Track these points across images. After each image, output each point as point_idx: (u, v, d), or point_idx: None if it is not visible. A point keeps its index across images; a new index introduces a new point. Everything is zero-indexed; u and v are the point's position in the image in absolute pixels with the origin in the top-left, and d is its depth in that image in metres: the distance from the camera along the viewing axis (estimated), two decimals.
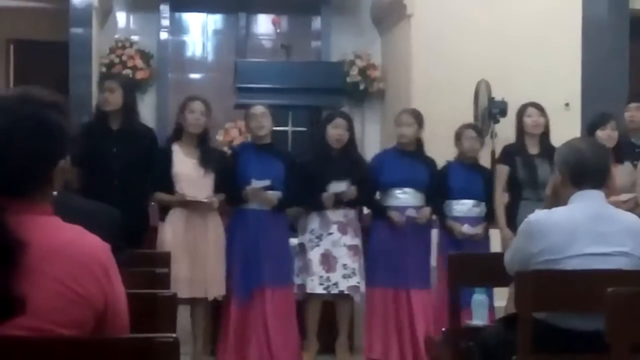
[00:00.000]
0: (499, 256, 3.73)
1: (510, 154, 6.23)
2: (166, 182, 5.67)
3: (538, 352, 3.24)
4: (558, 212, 3.43)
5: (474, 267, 4.01)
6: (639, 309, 2.72)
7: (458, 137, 6.25)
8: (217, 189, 5.78)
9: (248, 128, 6.11)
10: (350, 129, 6.08)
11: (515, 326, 3.28)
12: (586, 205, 3.40)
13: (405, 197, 6.10)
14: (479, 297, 4.35)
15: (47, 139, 1.86)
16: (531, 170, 6.07)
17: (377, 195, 6.16)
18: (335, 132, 5.99)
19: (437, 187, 6.14)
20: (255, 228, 5.82)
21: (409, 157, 6.16)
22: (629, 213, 3.71)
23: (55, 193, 1.93)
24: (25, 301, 1.75)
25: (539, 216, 3.48)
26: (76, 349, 1.77)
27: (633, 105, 6.54)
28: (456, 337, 3.91)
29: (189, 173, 5.69)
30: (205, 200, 5.63)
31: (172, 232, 5.64)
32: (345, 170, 5.93)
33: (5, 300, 1.74)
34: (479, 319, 4.26)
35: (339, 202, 5.90)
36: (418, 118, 6.21)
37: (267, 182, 5.77)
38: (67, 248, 1.84)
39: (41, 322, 1.77)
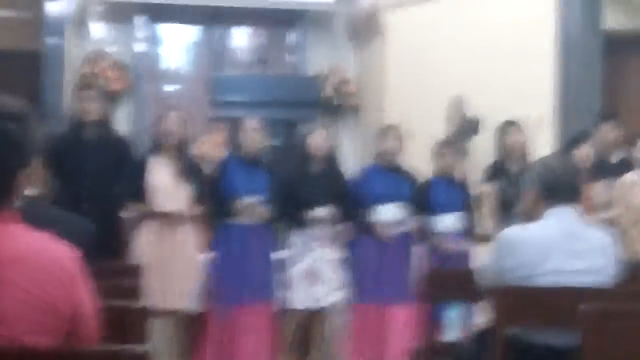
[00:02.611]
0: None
1: (494, 173, 6.29)
2: (138, 194, 5.63)
3: None
4: (531, 229, 3.44)
5: (451, 283, 4.01)
6: (611, 325, 2.72)
7: (435, 153, 6.30)
8: (198, 201, 5.74)
9: (235, 140, 6.06)
10: (330, 140, 6.12)
11: (488, 341, 3.28)
12: (559, 221, 3.40)
13: (389, 213, 6.10)
14: (452, 313, 4.35)
15: (7, 150, 1.86)
16: (517, 188, 6.10)
17: (361, 211, 6.16)
18: (315, 141, 6.00)
19: (420, 202, 6.17)
20: (242, 243, 5.79)
21: (391, 172, 6.19)
22: (601, 230, 3.73)
23: (28, 201, 1.92)
24: None
25: (511, 232, 3.48)
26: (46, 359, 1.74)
27: (608, 124, 6.55)
28: (431, 354, 3.90)
29: (164, 185, 5.66)
30: (174, 212, 5.60)
31: (143, 244, 5.60)
32: (326, 189, 5.94)
33: None
34: (452, 334, 4.26)
35: (322, 222, 5.93)
36: (401, 134, 6.26)
37: (259, 199, 5.76)
38: (33, 255, 1.83)
39: (9, 329, 1.76)
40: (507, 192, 6.14)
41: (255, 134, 5.91)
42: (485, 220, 6.24)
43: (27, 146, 1.89)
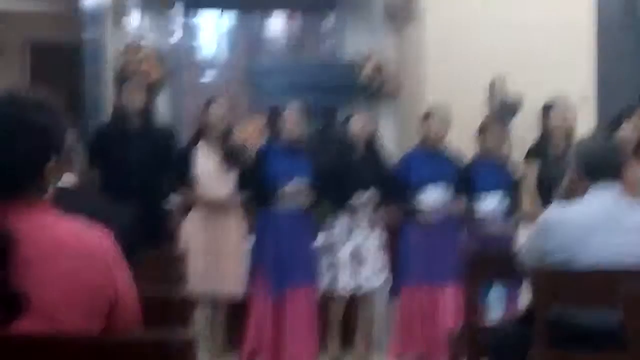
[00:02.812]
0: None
1: (536, 154, 6.24)
2: (185, 183, 5.70)
3: (554, 349, 3.23)
4: (572, 210, 3.42)
5: (493, 265, 4.00)
6: None
7: (479, 135, 6.28)
8: (241, 187, 5.79)
9: (274, 127, 6.07)
10: (370, 125, 6.12)
11: (532, 323, 3.27)
12: (601, 201, 3.38)
13: (433, 197, 6.09)
14: (494, 295, 4.34)
15: (33, 140, 1.85)
16: (559, 170, 6.05)
17: (407, 195, 6.15)
18: (355, 126, 6.01)
19: (463, 184, 6.16)
20: (284, 229, 5.83)
21: (435, 155, 6.17)
22: None
23: (66, 191, 1.92)
24: (29, 299, 1.73)
25: (553, 214, 3.46)
26: (89, 349, 1.75)
27: None
28: (473, 334, 3.90)
29: (209, 172, 5.71)
30: (223, 199, 5.66)
31: (189, 232, 5.66)
32: (368, 174, 5.95)
33: (7, 300, 1.72)
34: (495, 316, 4.26)
35: (365, 207, 5.95)
36: (445, 117, 6.24)
37: (301, 185, 5.79)
38: (71, 244, 1.83)
39: (47, 320, 1.76)
40: (550, 173, 6.09)
41: (295, 120, 5.93)
42: (528, 202, 6.21)
43: (54, 136, 1.88)
